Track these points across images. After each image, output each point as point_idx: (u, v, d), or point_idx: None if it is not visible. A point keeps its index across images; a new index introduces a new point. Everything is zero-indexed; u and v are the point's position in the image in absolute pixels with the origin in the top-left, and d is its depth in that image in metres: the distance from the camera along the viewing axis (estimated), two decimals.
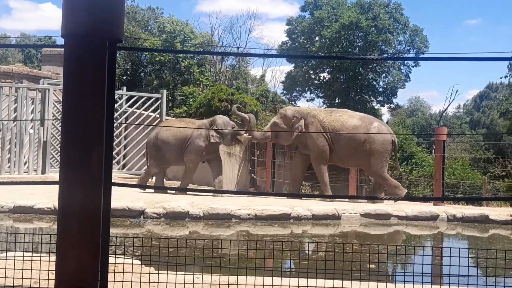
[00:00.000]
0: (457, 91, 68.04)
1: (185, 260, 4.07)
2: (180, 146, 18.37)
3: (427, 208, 14.43)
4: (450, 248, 3.98)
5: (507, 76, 34.32)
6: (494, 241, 12.16)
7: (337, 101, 28.91)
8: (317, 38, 28.60)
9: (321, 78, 30.22)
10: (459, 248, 10.94)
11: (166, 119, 24.07)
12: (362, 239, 11.53)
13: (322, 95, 30.27)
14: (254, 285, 3.77)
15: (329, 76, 29.65)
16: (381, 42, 27.45)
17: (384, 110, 35.80)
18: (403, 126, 36.01)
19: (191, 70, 39.51)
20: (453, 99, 65.06)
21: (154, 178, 18.95)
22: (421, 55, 28.78)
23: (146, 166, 19.54)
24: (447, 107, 43.63)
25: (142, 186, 18.01)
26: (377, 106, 31.45)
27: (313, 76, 30.13)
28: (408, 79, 30.35)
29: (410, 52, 29.32)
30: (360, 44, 28.08)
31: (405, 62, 30.98)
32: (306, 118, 17.11)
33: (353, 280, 4.03)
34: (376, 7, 27.20)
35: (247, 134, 18.74)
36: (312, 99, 33.33)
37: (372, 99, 29.94)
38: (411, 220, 13.71)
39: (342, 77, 28.72)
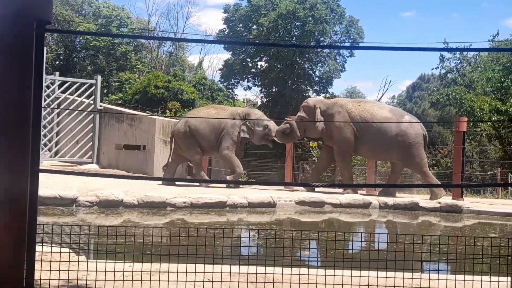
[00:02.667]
0: (390, 81, 69.87)
1: (115, 248, 4.01)
2: (214, 134, 17.42)
3: (360, 196, 14.78)
4: (379, 233, 4.08)
5: (438, 68, 35.52)
6: (423, 227, 12.59)
7: (274, 89, 29.08)
8: (254, 27, 28.63)
9: (259, 66, 30.29)
10: (377, 233, 11.28)
11: (100, 106, 23.56)
12: (296, 227, 11.68)
13: (259, 83, 30.37)
14: (186, 272, 3.75)
15: (266, 64, 29.76)
16: (317, 32, 27.75)
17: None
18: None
19: (127, 56, 38.78)
20: (387, 89, 66.12)
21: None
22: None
23: (168, 159, 18.06)
24: (381, 97, 44.79)
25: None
26: (313, 95, 31.86)
27: (250, 65, 30.17)
28: (343, 69, 30.90)
29: (346, 43, 29.85)
30: (297, 34, 28.30)
31: (341, 52, 31.54)
32: (332, 108, 16.59)
33: (288, 267, 4.08)
34: None
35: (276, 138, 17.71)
36: (250, 88, 33.42)
37: (309, 88, 30.28)
38: (345, 208, 14.01)
39: (279, 66, 28.87)
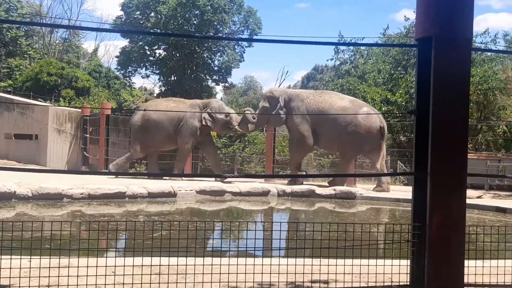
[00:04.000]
0: (287, 72, 71.08)
1: (11, 243, 3.83)
2: (173, 127, 17.24)
3: (259, 184, 15.02)
4: (281, 222, 4.17)
5: (333, 59, 36.63)
6: (318, 214, 13.00)
7: (173, 78, 28.76)
8: (152, 14, 28.14)
9: (157, 54, 29.84)
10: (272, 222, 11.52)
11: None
12: (197, 216, 11.69)
13: (158, 72, 29.92)
14: (87, 266, 3.66)
15: (165, 53, 29.37)
16: (216, 21, 27.75)
17: (219, 88, 36.39)
18: (236, 105, 36.90)
19: (18, 42, 36.84)
20: (284, 79, 67.64)
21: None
22: (255, 36, 29.63)
23: (129, 151, 18.03)
24: (278, 87, 45.53)
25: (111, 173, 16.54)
26: (212, 85, 31.89)
27: (148, 53, 29.65)
28: (242, 59, 31.13)
29: (244, 33, 30.08)
30: (196, 22, 28.14)
31: (240, 42, 31.75)
32: (294, 100, 16.39)
33: (192, 257, 4.08)
34: None
35: (239, 128, 17.65)
36: (148, 76, 32.86)
37: (208, 77, 30.23)
38: (245, 196, 14.20)
39: (178, 55, 28.60)
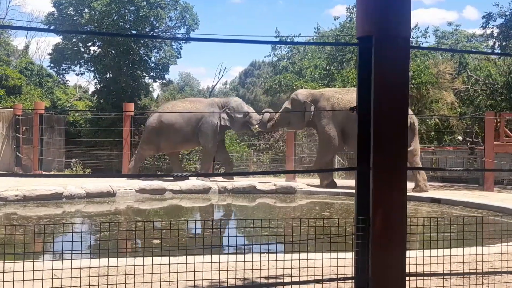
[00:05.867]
0: (225, 68, 70.87)
1: None
2: (191, 127, 16.83)
3: (200, 181, 15.00)
4: (221, 220, 4.20)
5: (270, 55, 36.90)
6: (264, 209, 13.10)
7: (108, 75, 28.20)
8: (86, 10, 27.48)
9: (92, 51, 29.21)
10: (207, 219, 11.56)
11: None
12: (138, 215, 11.56)
13: (93, 69, 29.28)
14: (23, 271, 3.55)
15: (100, 50, 28.77)
16: (152, 17, 27.38)
17: (156, 85, 35.98)
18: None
19: None
20: (222, 75, 67.63)
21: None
22: (192, 33, 29.39)
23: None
24: (216, 83, 45.53)
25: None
26: (149, 82, 31.44)
27: (83, 50, 28.94)
28: (179, 56, 30.86)
29: (181, 29, 29.85)
30: (132, 19, 27.68)
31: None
32: (319, 101, 15.90)
33: (137, 257, 4.05)
34: None
35: (258, 127, 17.34)
36: (82, 73, 32.11)
37: (144, 74, 29.79)
38: (186, 194, 14.16)
39: (113, 52, 28.06)
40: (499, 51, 27.07)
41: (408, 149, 15.33)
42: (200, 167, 17.97)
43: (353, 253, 2.92)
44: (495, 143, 16.73)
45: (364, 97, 2.96)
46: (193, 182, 14.65)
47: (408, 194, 10.46)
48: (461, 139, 23.86)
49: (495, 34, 27.05)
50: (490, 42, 30.09)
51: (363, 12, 3.00)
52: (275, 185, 15.10)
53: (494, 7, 31.36)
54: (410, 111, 16.21)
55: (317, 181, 17.10)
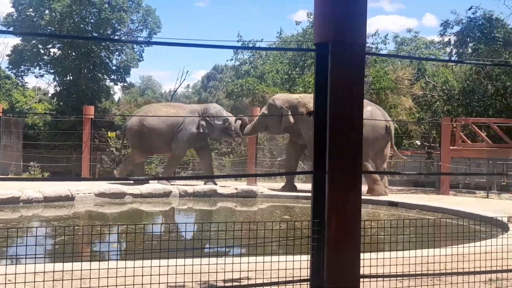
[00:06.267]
0: (187, 72, 70.82)
1: None
2: (171, 133, 16.70)
3: (160, 185, 14.92)
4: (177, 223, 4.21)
5: (232, 59, 36.98)
6: (225, 213, 13.13)
7: (69, 78, 27.82)
8: (47, 12, 27.07)
9: (52, 53, 28.76)
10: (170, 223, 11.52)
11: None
12: (97, 219, 11.45)
13: (52, 71, 28.83)
14: None
15: (60, 52, 28.35)
16: (114, 20, 27.14)
17: (117, 88, 35.60)
18: (135, 105, 36.31)
19: None
20: (184, 79, 66.79)
21: None
22: (154, 36, 29.27)
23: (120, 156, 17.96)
24: (178, 86, 45.28)
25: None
26: (110, 84, 31.14)
27: (42, 51, 28.48)
28: (141, 59, 30.69)
29: (143, 32, 29.67)
30: (93, 21, 27.39)
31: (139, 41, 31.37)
32: (296, 107, 15.66)
33: (96, 262, 4.03)
34: None
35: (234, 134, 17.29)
36: (42, 75, 31.57)
37: (105, 77, 29.50)
38: (146, 198, 14.07)
39: (74, 54, 27.69)
40: (456, 58, 27.68)
41: (385, 153, 15.64)
42: (164, 171, 17.84)
43: (309, 255, 2.98)
44: (451, 147, 17.13)
45: (320, 103, 3.03)
46: (154, 186, 14.57)
47: (366, 197, 10.63)
48: (419, 143, 24.33)
49: (452, 42, 27.63)
50: (448, 49, 30.77)
51: (320, 19, 3.07)
52: (236, 188, 15.13)
53: (451, 14, 32.12)
54: (388, 116, 16.26)
55: (278, 185, 17.20)
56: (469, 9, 27.40)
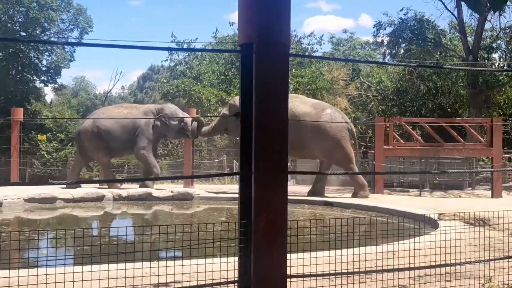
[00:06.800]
0: (121, 72, 69.66)
1: None
2: (127, 134, 16.28)
3: (93, 189, 14.58)
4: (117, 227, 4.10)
5: (167, 60, 36.61)
6: (160, 217, 12.95)
7: None
8: None
9: None
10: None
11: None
12: (26, 226, 11.06)
13: None
14: None
15: None
16: (43, 19, 26.38)
17: (48, 90, 34.69)
18: (68, 107, 35.41)
19: None
20: (118, 80, 65.82)
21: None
22: (85, 36, 28.64)
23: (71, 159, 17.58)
24: (112, 87, 44.58)
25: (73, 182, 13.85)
26: (41, 86, 30.27)
27: None
28: (72, 59, 29.96)
29: (74, 31, 29.00)
30: (21, 20, 26.55)
31: (70, 41, 30.63)
32: None
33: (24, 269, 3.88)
34: None
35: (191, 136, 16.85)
36: None
37: (35, 78, 28.64)
38: (78, 202, 13.71)
39: (1, 54, 26.75)
40: (390, 59, 28.39)
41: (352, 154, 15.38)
42: (143, 174, 17.43)
43: (237, 256, 2.95)
44: (384, 147, 17.50)
45: (246, 103, 3.00)
46: (86, 190, 14.23)
47: (302, 198, 10.73)
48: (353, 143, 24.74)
49: (385, 42, 28.34)
50: (382, 50, 31.54)
51: (244, 19, 3.04)
52: (172, 191, 14.96)
53: (383, 16, 32.87)
54: (347, 118, 16.31)
55: (215, 187, 17.15)
56: (401, 10, 28.27)
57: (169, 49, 42.84)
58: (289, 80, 25.69)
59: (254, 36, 2.95)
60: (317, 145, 14.92)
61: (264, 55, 2.93)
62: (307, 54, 30.22)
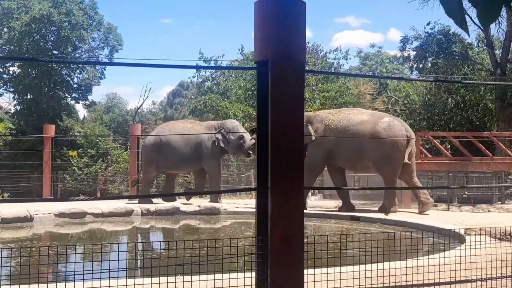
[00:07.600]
0: (150, 88, 70.47)
1: None
2: (190, 148, 16.51)
3: (122, 204, 14.76)
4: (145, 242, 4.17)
5: (195, 76, 36.94)
6: (187, 231, 13.02)
7: (29, 96, 27.46)
8: (5, 30, 26.73)
9: (11, 72, 28.36)
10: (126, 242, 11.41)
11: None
12: (56, 240, 11.24)
13: (12, 90, 28.43)
14: None
15: (20, 70, 27.97)
16: (75, 38, 26.93)
17: (80, 106, 35.31)
18: (100, 123, 35.95)
19: None
20: (147, 96, 66.59)
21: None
22: (116, 54, 29.14)
23: (138, 173, 17.75)
24: (142, 104, 45.09)
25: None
26: (72, 103, 30.83)
27: (1, 70, 28.08)
28: (103, 76, 30.49)
29: (104, 50, 29.53)
30: (53, 39, 27.14)
31: (100, 59, 31.17)
32: (312, 123, 15.15)
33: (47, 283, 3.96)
34: (69, 3, 26.61)
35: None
36: (1, 94, 31.11)
37: (67, 95, 29.20)
38: (107, 217, 13.88)
39: (34, 72, 27.34)
40: (417, 73, 28.24)
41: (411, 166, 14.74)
42: (210, 189, 17.53)
43: (254, 272, 2.98)
44: None
45: (263, 120, 3.04)
46: (115, 205, 14.40)
47: (328, 212, 10.70)
48: None
49: (412, 57, 28.22)
50: (409, 64, 31.37)
51: (260, 36, 3.10)
52: (199, 206, 15.06)
53: (410, 30, 32.73)
54: (407, 126, 15.50)
55: (241, 202, 17.18)
56: (427, 24, 28.08)
57: (185, 67, 43.16)
58: (315, 95, 25.86)
59: (269, 54, 3.00)
60: (372, 154, 14.49)
61: (279, 72, 2.98)
62: (332, 69, 30.25)
